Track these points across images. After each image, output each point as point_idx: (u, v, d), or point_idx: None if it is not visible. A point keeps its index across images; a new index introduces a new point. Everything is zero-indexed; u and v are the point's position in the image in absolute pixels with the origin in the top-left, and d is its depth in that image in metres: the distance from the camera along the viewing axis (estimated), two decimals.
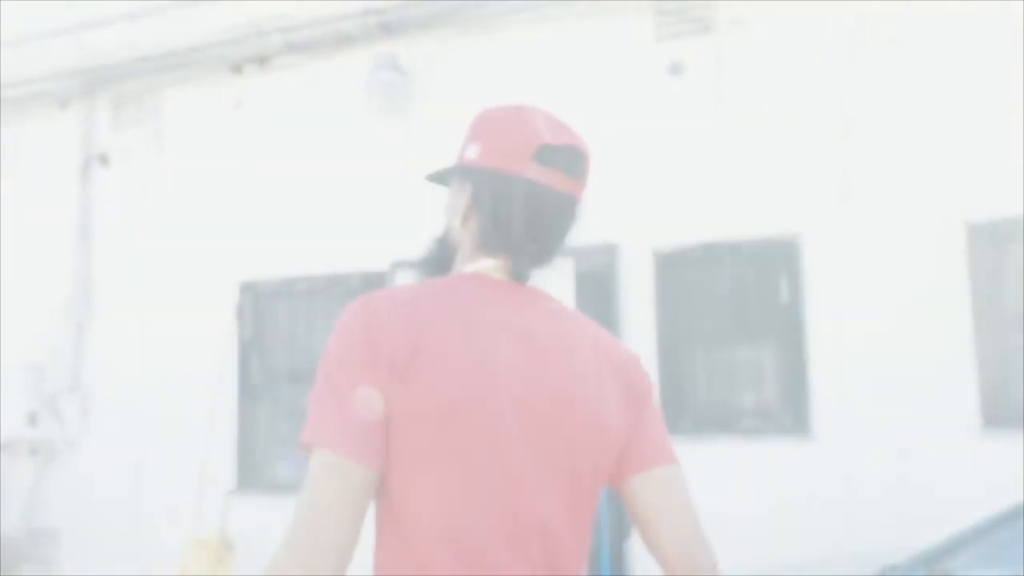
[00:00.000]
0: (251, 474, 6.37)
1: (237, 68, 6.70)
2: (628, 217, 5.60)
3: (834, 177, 5.29)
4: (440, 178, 1.50)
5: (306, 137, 6.43)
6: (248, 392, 6.46)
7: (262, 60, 6.61)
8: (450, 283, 1.33)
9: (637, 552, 5.34)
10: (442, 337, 1.23)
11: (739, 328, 5.35)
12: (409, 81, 6.14)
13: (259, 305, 6.57)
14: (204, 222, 6.77)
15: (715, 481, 5.26)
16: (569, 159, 1.36)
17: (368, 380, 1.19)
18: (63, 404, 7.15)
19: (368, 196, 6.28)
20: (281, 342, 6.46)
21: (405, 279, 6.05)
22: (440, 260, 1.44)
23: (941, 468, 4.87)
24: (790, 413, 5.24)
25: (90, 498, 6.92)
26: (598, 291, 5.54)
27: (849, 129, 5.31)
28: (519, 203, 1.33)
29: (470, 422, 1.21)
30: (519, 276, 1.36)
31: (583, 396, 1.30)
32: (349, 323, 1.24)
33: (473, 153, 1.38)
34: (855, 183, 5.27)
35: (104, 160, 7.21)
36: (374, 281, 6.20)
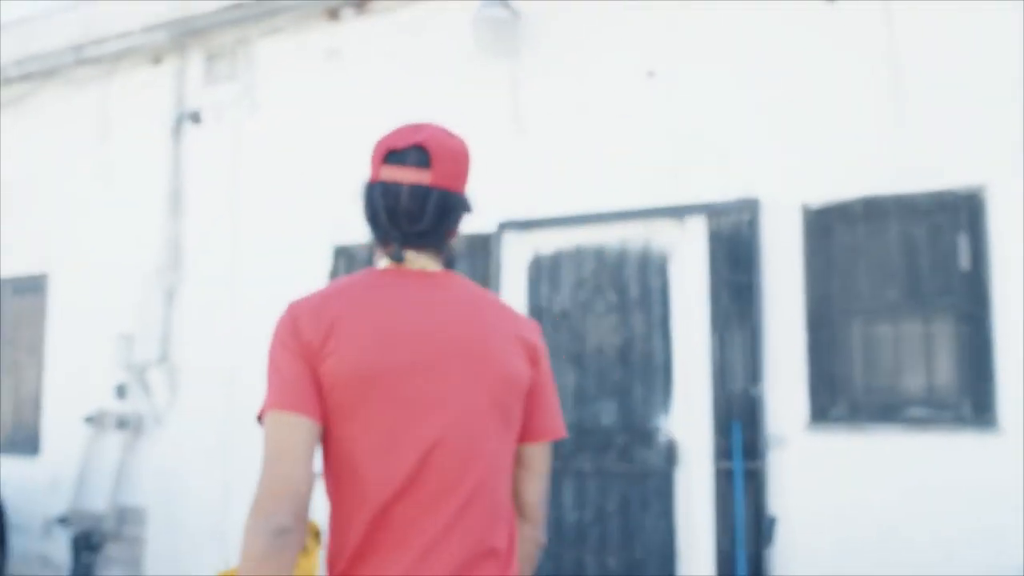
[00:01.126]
0: None
1: (333, 13, 6.15)
2: (773, 166, 4.81)
3: None
4: None
5: (406, 86, 5.84)
6: None
7: (359, 3, 6.04)
8: (358, 278, 1.66)
9: (779, 560, 4.57)
10: (348, 321, 1.58)
11: (908, 298, 4.50)
12: (520, 20, 5.47)
13: (354, 270, 6.02)
14: (297, 181, 6.26)
15: (875, 481, 4.44)
16: (414, 155, 1.64)
17: (297, 360, 1.57)
18: (152, 376, 6.77)
19: (475, 150, 5.65)
20: None
21: (514, 243, 5.39)
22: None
23: None
24: (970, 401, 4.36)
25: (177, 476, 6.52)
26: (735, 254, 4.78)
27: None
28: (378, 200, 1.65)
29: (376, 382, 1.56)
30: (396, 258, 1.65)
31: (486, 350, 1.60)
32: (281, 322, 1.62)
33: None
34: None
35: (196, 118, 6.78)
36: (479, 245, 5.56)
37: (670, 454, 4.84)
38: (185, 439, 6.50)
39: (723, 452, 4.67)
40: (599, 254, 5.14)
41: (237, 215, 6.54)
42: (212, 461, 6.36)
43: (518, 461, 1.68)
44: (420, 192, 1.63)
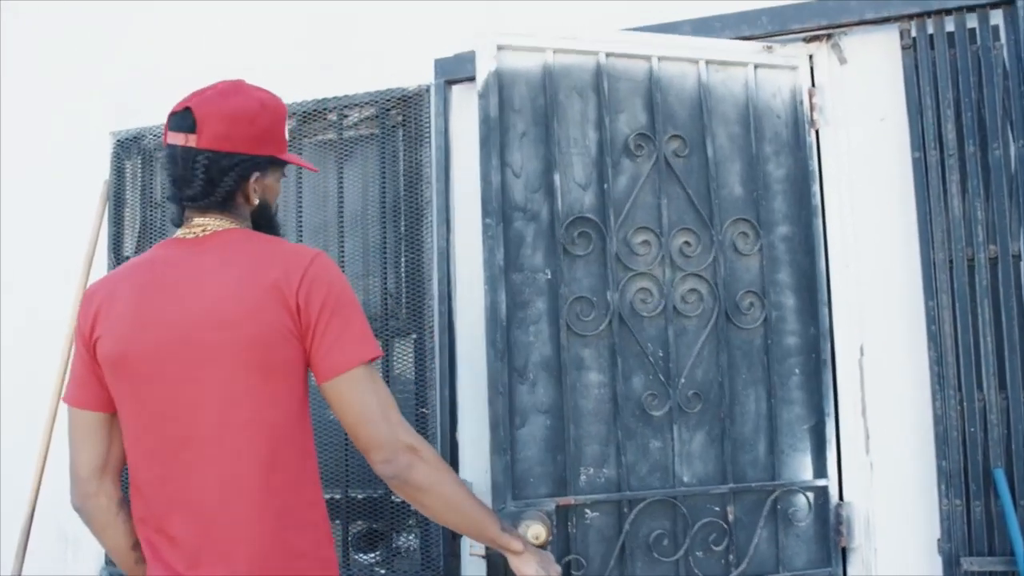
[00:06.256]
0: None
1: None
2: None
3: None
4: None
5: None
6: None
7: None
8: (141, 256, 1.71)
9: None
10: (107, 306, 1.61)
11: None
12: None
13: (148, 171, 3.19)
14: (56, 43, 3.39)
15: None
16: (181, 119, 1.63)
17: (80, 350, 1.66)
18: None
19: None
20: None
21: (469, 106, 2.71)
22: None
23: None
24: None
25: None
26: (975, 96, 2.20)
27: None
28: (164, 165, 1.71)
29: (125, 366, 1.57)
30: (174, 223, 1.70)
31: (233, 317, 1.53)
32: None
33: None
34: None
35: None
36: (395, 117, 2.83)
37: (835, 535, 2.27)
38: None
39: (967, 532, 2.13)
40: (655, 99, 2.47)
41: None
42: None
43: (330, 403, 1.58)
44: (188, 155, 1.62)
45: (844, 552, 2.28)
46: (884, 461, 2.26)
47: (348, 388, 1.54)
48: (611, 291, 2.23)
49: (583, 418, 2.21)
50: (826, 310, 2.33)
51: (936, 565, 2.16)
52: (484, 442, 2.59)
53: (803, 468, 2.30)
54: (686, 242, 2.29)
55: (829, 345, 2.32)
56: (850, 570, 2.27)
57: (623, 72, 2.32)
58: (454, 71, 2.66)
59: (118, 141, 3.19)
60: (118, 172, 3.18)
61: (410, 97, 2.78)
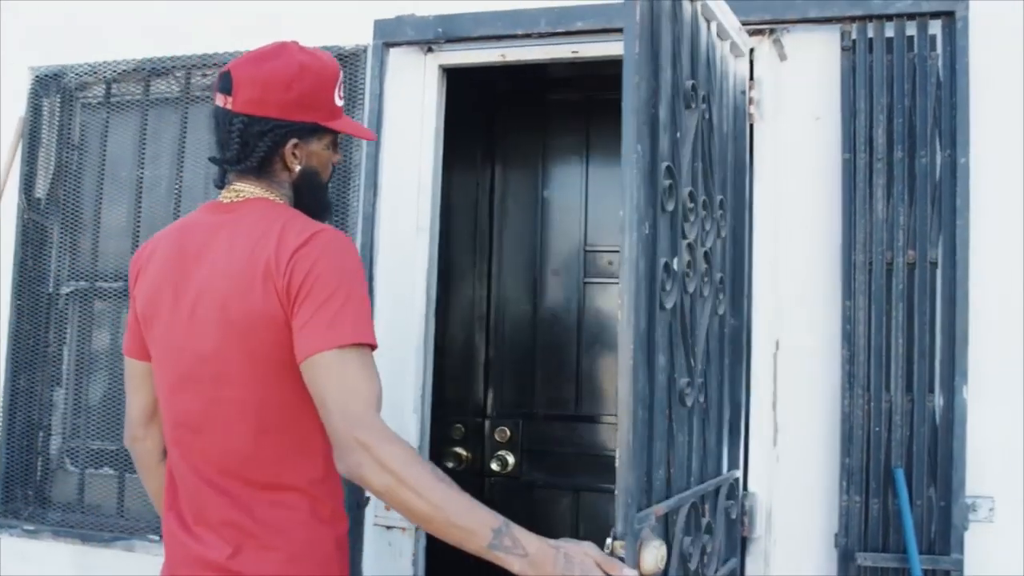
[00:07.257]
0: (24, 478, 2.93)
1: None
2: None
3: None
4: None
5: None
6: (35, 290, 2.99)
7: None
8: (189, 215, 1.77)
9: None
10: (145, 268, 1.71)
11: None
12: None
13: (68, 111, 3.07)
14: None
15: None
16: (222, 81, 1.65)
17: (131, 305, 1.76)
18: None
19: None
20: (119, 187, 2.98)
21: (409, 68, 2.66)
22: None
23: None
24: None
25: None
26: (905, 108, 2.22)
27: None
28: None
29: (150, 324, 1.68)
30: (216, 184, 1.73)
31: (228, 297, 1.55)
32: None
33: None
34: None
35: None
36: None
37: (739, 526, 2.30)
38: None
39: (863, 528, 2.17)
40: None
41: None
42: None
43: (308, 387, 1.51)
44: (226, 118, 1.65)
45: (744, 542, 2.32)
46: (790, 455, 2.29)
47: (313, 375, 1.47)
48: (678, 259, 1.80)
49: (656, 408, 1.71)
50: (746, 302, 2.35)
51: (832, 559, 2.21)
52: (397, 408, 2.58)
53: (725, 460, 2.30)
54: (705, 215, 2.00)
55: (746, 337, 2.35)
56: (748, 560, 2.31)
57: (684, 10, 1.89)
58: (393, 33, 2.60)
59: (37, 77, 3.05)
60: (35, 110, 3.03)
61: (346, 57, 2.70)
